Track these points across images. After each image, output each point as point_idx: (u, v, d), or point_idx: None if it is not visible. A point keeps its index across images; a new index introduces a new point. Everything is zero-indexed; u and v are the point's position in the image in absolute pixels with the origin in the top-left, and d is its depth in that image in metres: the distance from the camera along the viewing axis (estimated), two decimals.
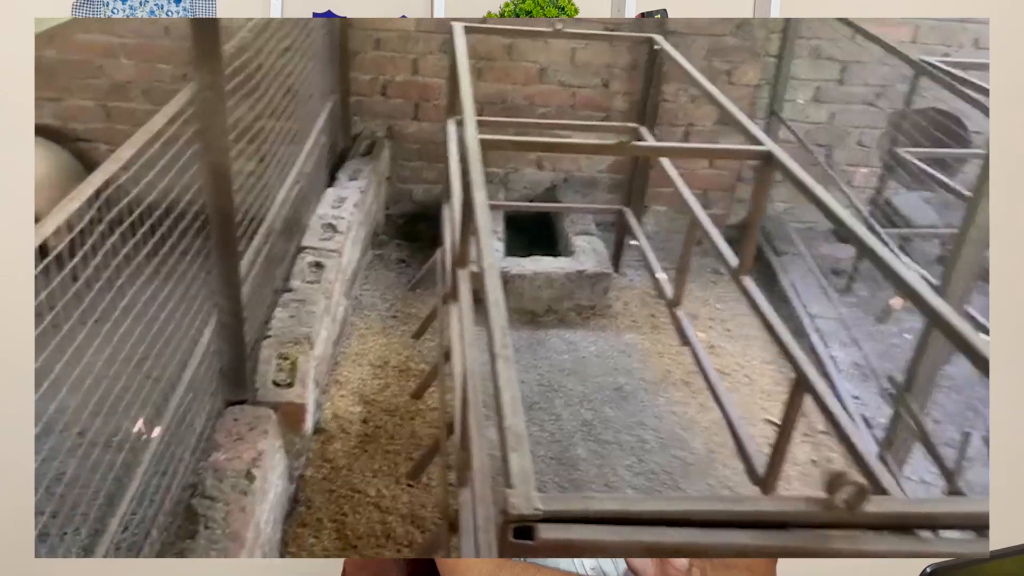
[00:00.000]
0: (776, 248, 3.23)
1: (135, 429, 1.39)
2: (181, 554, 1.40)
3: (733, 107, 2.04)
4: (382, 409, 2.31)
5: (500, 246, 2.95)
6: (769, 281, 3.14)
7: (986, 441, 1.70)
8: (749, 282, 1.91)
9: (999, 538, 1.14)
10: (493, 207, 3.17)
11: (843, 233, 1.53)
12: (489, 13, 2.22)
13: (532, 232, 3.39)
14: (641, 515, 0.81)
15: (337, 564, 1.48)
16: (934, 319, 1.22)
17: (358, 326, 2.70)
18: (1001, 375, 1.72)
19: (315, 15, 2.20)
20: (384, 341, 2.64)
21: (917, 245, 3.12)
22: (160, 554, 1.43)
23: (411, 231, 3.31)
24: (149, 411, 1.43)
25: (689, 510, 0.82)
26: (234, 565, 1.67)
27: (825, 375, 2.54)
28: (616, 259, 3.14)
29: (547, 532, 0.79)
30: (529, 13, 2.21)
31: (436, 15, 2.22)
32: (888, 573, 1.56)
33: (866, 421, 2.26)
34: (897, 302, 2.74)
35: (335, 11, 2.20)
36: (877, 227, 2.63)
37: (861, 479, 0.82)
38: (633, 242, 2.82)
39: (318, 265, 2.34)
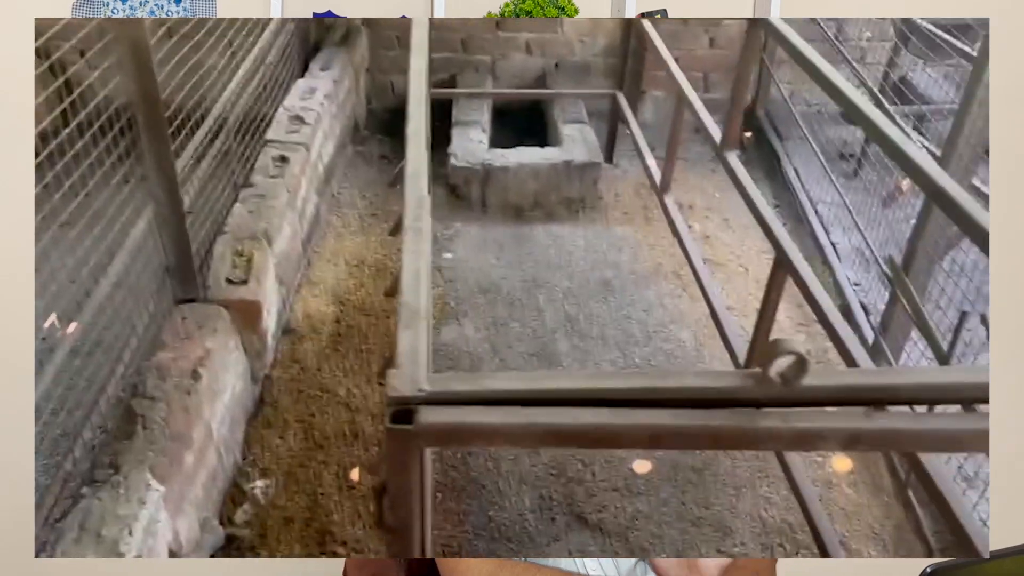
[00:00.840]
0: (780, 132, 3.04)
1: (46, 325, 1.30)
2: (116, 455, 1.34)
3: None
4: (356, 308, 2.22)
5: (484, 137, 2.79)
6: (772, 166, 2.97)
7: (985, 322, 1.57)
8: (733, 158, 1.76)
9: (999, 538, 1.15)
10: (476, 96, 3.00)
11: (851, 115, 1.38)
12: (489, 13, 2.15)
13: (523, 123, 3.22)
14: (548, 394, 0.71)
15: (338, 564, 1.45)
16: (931, 191, 1.07)
17: (335, 225, 2.59)
18: (1001, 375, 1.70)
19: (315, 15, 2.12)
20: (362, 240, 2.53)
21: (935, 124, 2.91)
22: (96, 455, 1.37)
23: (394, 125, 3.14)
24: (67, 305, 1.34)
25: (604, 388, 0.71)
26: (235, 565, 1.65)
27: (825, 261, 2.40)
28: (609, 148, 2.97)
29: (429, 415, 0.68)
30: (529, 13, 2.13)
31: (436, 15, 2.16)
32: (888, 573, 1.56)
33: (864, 308, 2.13)
34: (906, 183, 2.57)
35: (335, 11, 2.12)
36: (886, 104, 2.43)
37: (799, 348, 0.70)
38: (628, 130, 2.65)
39: (283, 159, 2.21)
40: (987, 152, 1.92)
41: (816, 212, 2.56)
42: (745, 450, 1.56)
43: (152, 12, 2.08)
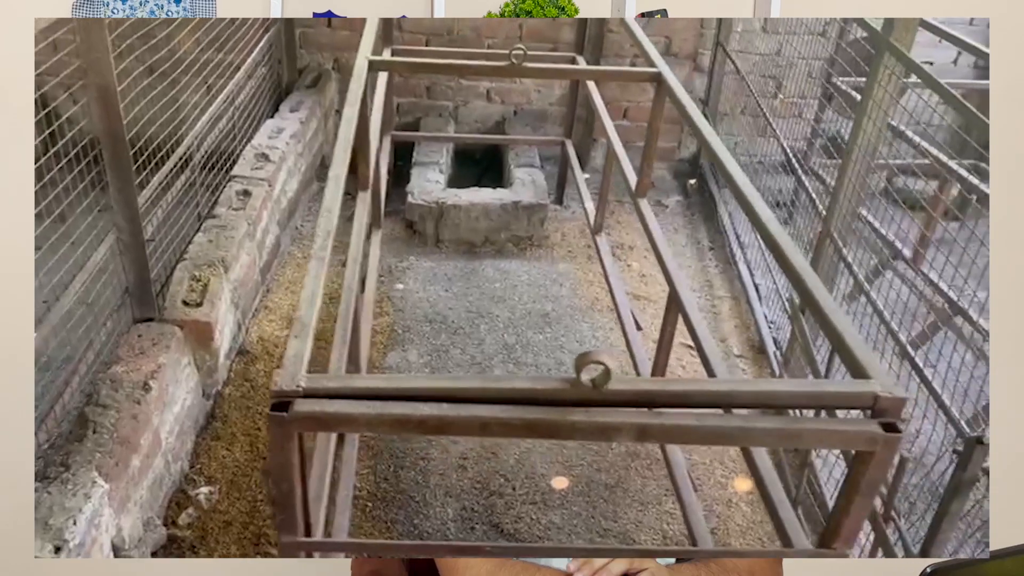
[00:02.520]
0: (720, 180, 3.24)
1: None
2: (68, 455, 1.49)
3: (640, 32, 2.06)
4: None
5: (440, 177, 2.98)
6: (710, 212, 3.17)
7: None
8: (644, 205, 1.95)
9: (999, 538, 1.19)
10: (436, 139, 3.20)
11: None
12: (489, 13, 2.23)
13: (483, 165, 3.43)
14: (403, 392, 0.88)
15: (344, 564, 1.51)
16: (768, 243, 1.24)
17: (295, 255, 2.76)
18: (1001, 375, 1.77)
19: (315, 15, 2.20)
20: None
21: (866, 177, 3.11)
22: (48, 454, 1.52)
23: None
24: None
25: (450, 387, 0.88)
26: (235, 565, 1.76)
27: (748, 302, 2.59)
28: (560, 191, 3.17)
29: (302, 406, 0.85)
30: (529, 13, 2.20)
31: (436, 15, 2.22)
32: (888, 573, 1.64)
33: (776, 343, 2.31)
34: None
35: (335, 11, 2.20)
36: (795, 160, 2.63)
37: (609, 360, 0.87)
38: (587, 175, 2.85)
39: (246, 193, 2.39)
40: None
41: (744, 255, 2.75)
42: (558, 438, 1.66)
43: (152, 12, 2.13)
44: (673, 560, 1.20)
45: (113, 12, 2.09)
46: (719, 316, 2.64)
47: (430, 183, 2.92)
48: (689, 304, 1.56)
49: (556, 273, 2.79)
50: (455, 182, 3.17)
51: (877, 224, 1.96)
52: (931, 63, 3.26)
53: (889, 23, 1.67)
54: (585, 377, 0.88)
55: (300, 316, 0.97)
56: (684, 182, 3.39)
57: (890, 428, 0.87)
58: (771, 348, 2.28)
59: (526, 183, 2.95)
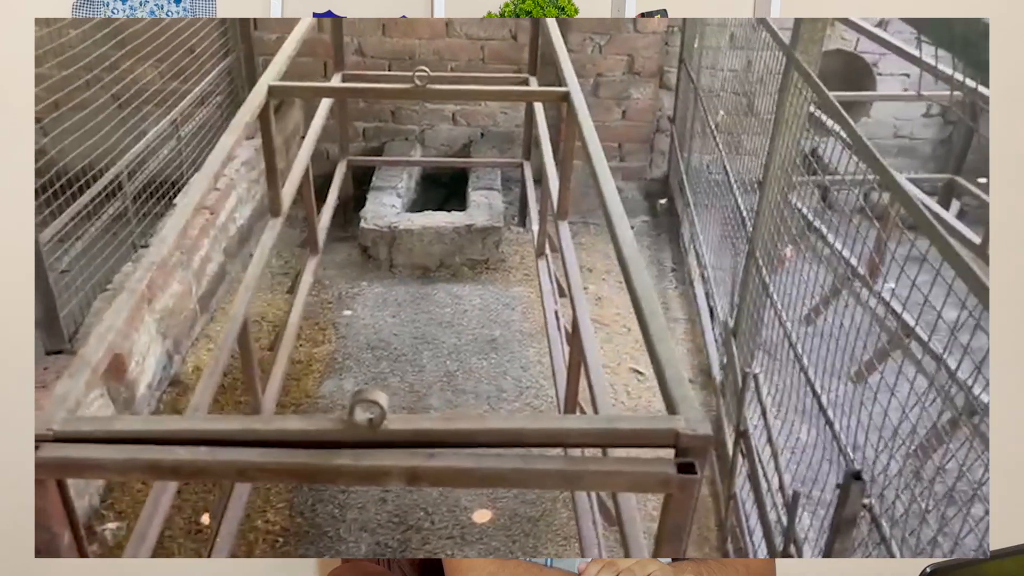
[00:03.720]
0: (688, 199, 3.17)
1: None
2: None
3: (561, 47, 2.01)
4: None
5: (397, 201, 2.95)
6: (676, 231, 3.09)
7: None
8: (563, 227, 1.89)
9: (999, 538, 1.16)
10: (394, 163, 3.18)
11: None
12: (489, 13, 2.20)
13: (449, 189, 3.39)
14: (160, 435, 0.82)
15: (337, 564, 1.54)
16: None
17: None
18: (1001, 375, 1.74)
19: (315, 15, 2.18)
20: (269, 297, 2.68)
21: (840, 194, 3.04)
22: None
23: (323, 191, 3.31)
24: None
25: (211, 429, 0.83)
26: (235, 565, 1.75)
27: (701, 324, 2.50)
28: (521, 213, 3.12)
29: (48, 451, 0.80)
30: (529, 13, 2.18)
31: (436, 15, 2.20)
32: (888, 573, 1.57)
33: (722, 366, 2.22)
34: (789, 252, 2.67)
35: (335, 11, 2.18)
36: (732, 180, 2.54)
37: (380, 399, 0.81)
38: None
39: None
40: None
41: (703, 276, 2.67)
42: (326, 483, 1.60)
43: (152, 12, 2.12)
44: (669, 559, 1.18)
45: (113, 12, 2.09)
46: (672, 339, 2.55)
47: (385, 208, 2.89)
48: (586, 330, 1.49)
49: (509, 297, 2.73)
50: (422, 206, 3.14)
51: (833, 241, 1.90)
52: (907, 75, 3.20)
53: (796, 36, 1.60)
54: (360, 417, 0.82)
55: (83, 354, 0.93)
56: (654, 202, 3.32)
57: (687, 469, 0.80)
58: (717, 373, 2.20)
59: (481, 206, 2.90)
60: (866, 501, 1.14)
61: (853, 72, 3.28)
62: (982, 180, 2.38)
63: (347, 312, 2.63)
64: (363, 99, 3.24)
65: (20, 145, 1.89)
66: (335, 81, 2.74)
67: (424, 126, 3.40)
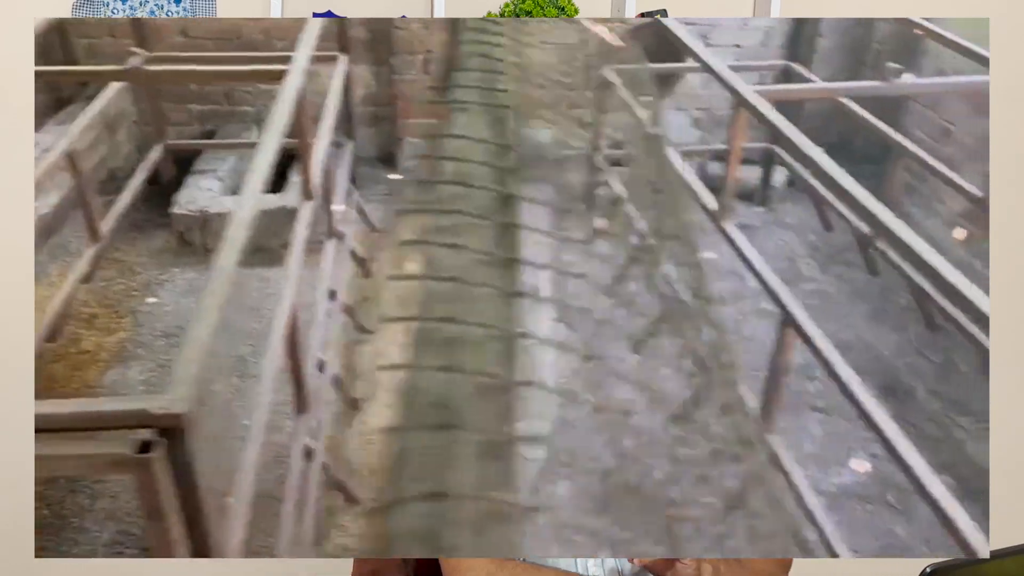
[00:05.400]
0: None
1: None
2: None
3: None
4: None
5: (216, 185, 2.86)
6: None
7: None
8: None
9: (999, 538, 1.15)
10: (216, 147, 3.04)
11: None
12: (489, 13, 2.19)
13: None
14: None
15: (347, 564, 1.51)
16: None
17: (51, 274, 2.54)
18: (1001, 375, 1.77)
19: (315, 15, 2.18)
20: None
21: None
22: None
23: (156, 175, 3.02)
24: None
25: None
26: (235, 565, 1.75)
27: None
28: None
29: None
30: (529, 13, 2.17)
31: (436, 15, 2.20)
32: (888, 573, 1.59)
33: None
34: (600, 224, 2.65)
35: (335, 11, 2.19)
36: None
37: None
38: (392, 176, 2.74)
39: None
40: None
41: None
42: None
43: (152, 12, 2.11)
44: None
45: (113, 12, 2.10)
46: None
47: (200, 192, 2.80)
48: None
49: (316, 279, 2.64)
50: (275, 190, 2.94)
51: None
52: (739, 46, 3.14)
53: None
54: None
55: None
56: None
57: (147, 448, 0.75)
58: None
59: (296, 187, 2.81)
60: None
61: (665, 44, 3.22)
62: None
63: (151, 299, 2.54)
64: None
65: (20, 145, 1.92)
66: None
67: (260, 107, 3.23)
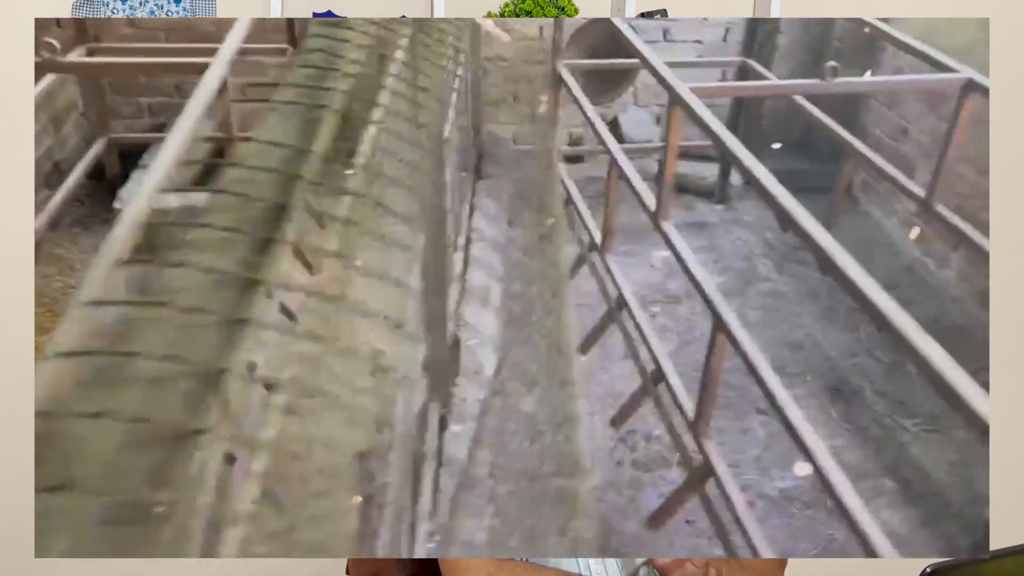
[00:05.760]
0: None
1: None
2: None
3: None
4: None
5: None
6: None
7: None
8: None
9: (999, 538, 1.16)
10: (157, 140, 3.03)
11: None
12: (489, 13, 2.20)
13: None
14: None
15: (340, 564, 1.50)
16: None
17: None
18: (1001, 375, 1.73)
19: (315, 15, 2.17)
20: None
21: (640, 163, 3.21)
22: None
23: (100, 169, 2.83)
24: None
25: None
26: (236, 565, 1.73)
27: None
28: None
29: None
30: (529, 13, 2.18)
31: (436, 15, 2.19)
32: (888, 573, 1.56)
33: None
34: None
35: (335, 11, 2.17)
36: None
37: None
38: None
39: None
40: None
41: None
42: None
43: (152, 12, 2.11)
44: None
45: (113, 12, 2.09)
46: None
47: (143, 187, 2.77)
48: None
49: None
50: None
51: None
52: (700, 42, 3.14)
53: None
54: None
55: None
56: None
57: None
58: None
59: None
60: None
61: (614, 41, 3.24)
62: (775, 145, 2.39)
63: None
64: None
65: (20, 145, 1.91)
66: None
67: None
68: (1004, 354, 1.87)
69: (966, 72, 1.78)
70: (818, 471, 1.15)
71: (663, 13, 2.25)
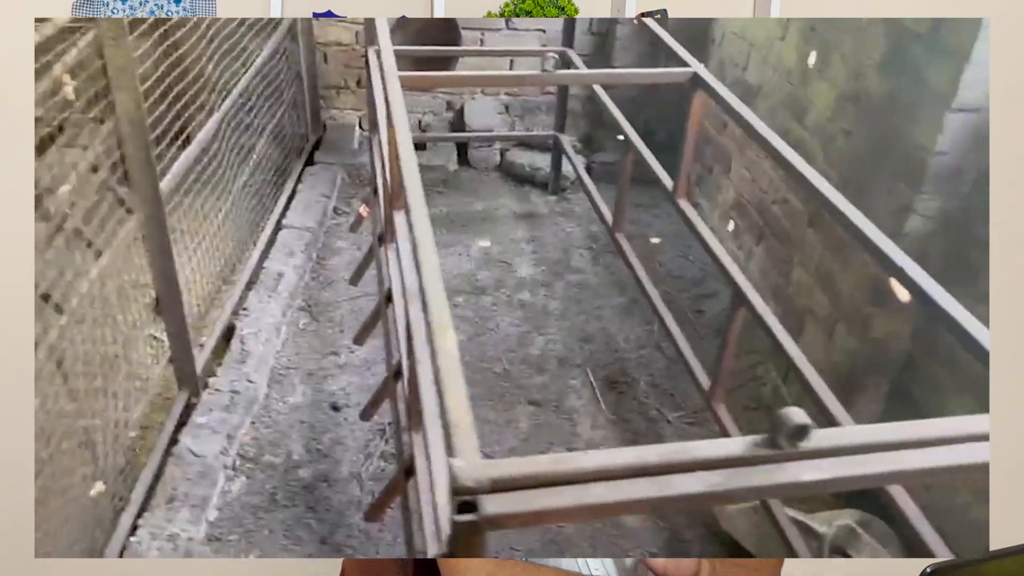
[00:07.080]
0: None
1: None
2: None
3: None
4: None
5: None
6: None
7: None
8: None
9: (999, 538, 1.17)
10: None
11: None
12: (489, 13, 2.21)
13: None
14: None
15: (336, 564, 1.51)
16: None
17: None
18: (1001, 375, 1.73)
19: (315, 15, 2.18)
20: None
21: (481, 152, 3.30)
22: None
23: None
24: None
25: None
26: (236, 565, 1.72)
27: None
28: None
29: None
30: (529, 13, 2.19)
31: (436, 15, 2.20)
32: (888, 573, 1.61)
33: None
34: (364, 210, 2.81)
35: (335, 11, 2.17)
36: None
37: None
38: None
39: None
40: None
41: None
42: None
43: (152, 12, 2.10)
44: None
45: (113, 12, 2.09)
46: None
47: None
48: None
49: None
50: None
51: None
52: (543, 31, 3.24)
53: None
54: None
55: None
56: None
57: None
58: None
59: None
60: None
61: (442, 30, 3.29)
62: (620, 137, 2.41)
63: None
64: None
65: (20, 145, 1.90)
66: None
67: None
68: (1004, 354, 1.83)
69: (695, 68, 1.92)
70: None
71: (663, 13, 2.25)
